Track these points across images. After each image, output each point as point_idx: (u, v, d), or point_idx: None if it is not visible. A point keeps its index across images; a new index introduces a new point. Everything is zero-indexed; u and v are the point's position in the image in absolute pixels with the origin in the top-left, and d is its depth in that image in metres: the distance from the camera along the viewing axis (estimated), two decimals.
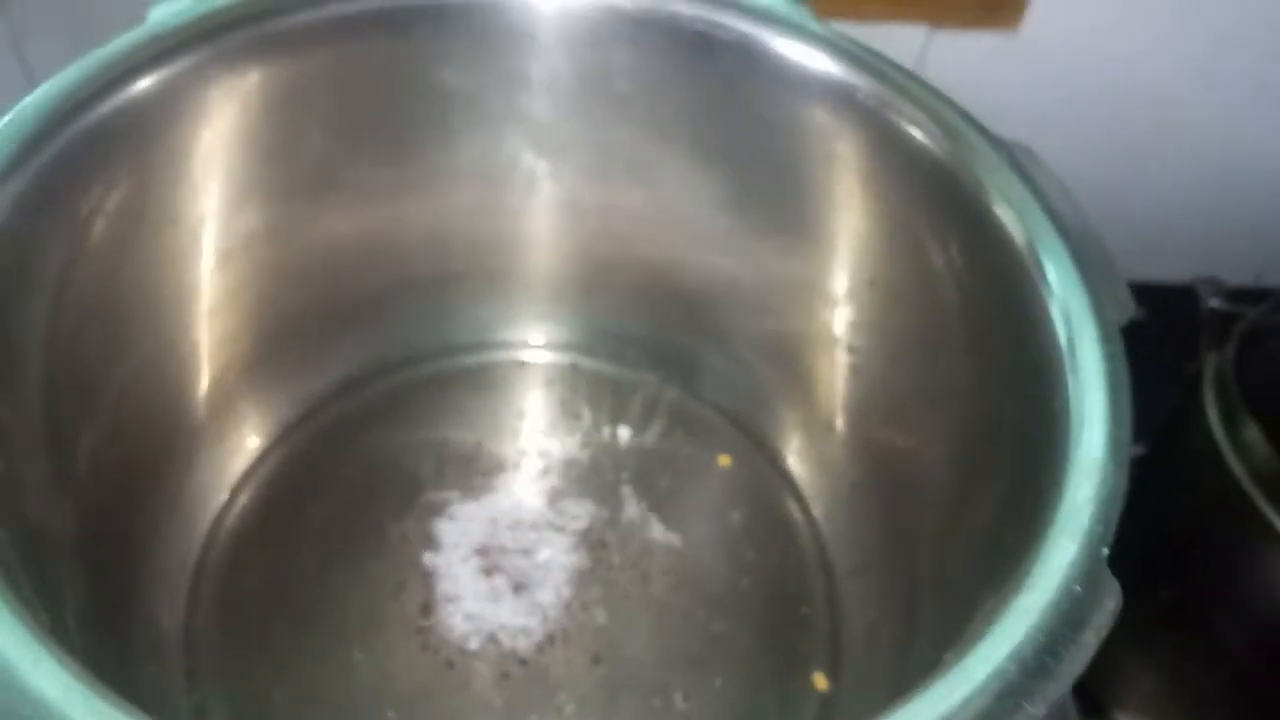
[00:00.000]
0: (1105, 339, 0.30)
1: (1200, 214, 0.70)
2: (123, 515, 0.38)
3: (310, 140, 0.41)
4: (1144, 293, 0.62)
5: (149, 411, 0.38)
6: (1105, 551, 0.26)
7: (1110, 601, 0.25)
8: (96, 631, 0.34)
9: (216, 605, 0.41)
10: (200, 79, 0.36)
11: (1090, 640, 0.25)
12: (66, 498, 0.34)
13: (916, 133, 0.37)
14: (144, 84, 0.34)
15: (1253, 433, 0.45)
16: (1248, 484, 0.44)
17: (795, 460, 0.47)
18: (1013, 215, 0.34)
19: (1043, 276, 0.32)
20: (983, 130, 0.36)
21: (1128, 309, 0.32)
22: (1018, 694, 0.24)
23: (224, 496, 0.43)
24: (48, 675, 0.22)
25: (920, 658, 0.35)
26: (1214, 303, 0.53)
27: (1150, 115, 0.64)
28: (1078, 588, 0.26)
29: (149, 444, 0.39)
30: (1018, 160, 0.35)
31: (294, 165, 0.41)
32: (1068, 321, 0.31)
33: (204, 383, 0.41)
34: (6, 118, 0.33)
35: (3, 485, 0.29)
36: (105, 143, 0.34)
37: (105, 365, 0.36)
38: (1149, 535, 0.52)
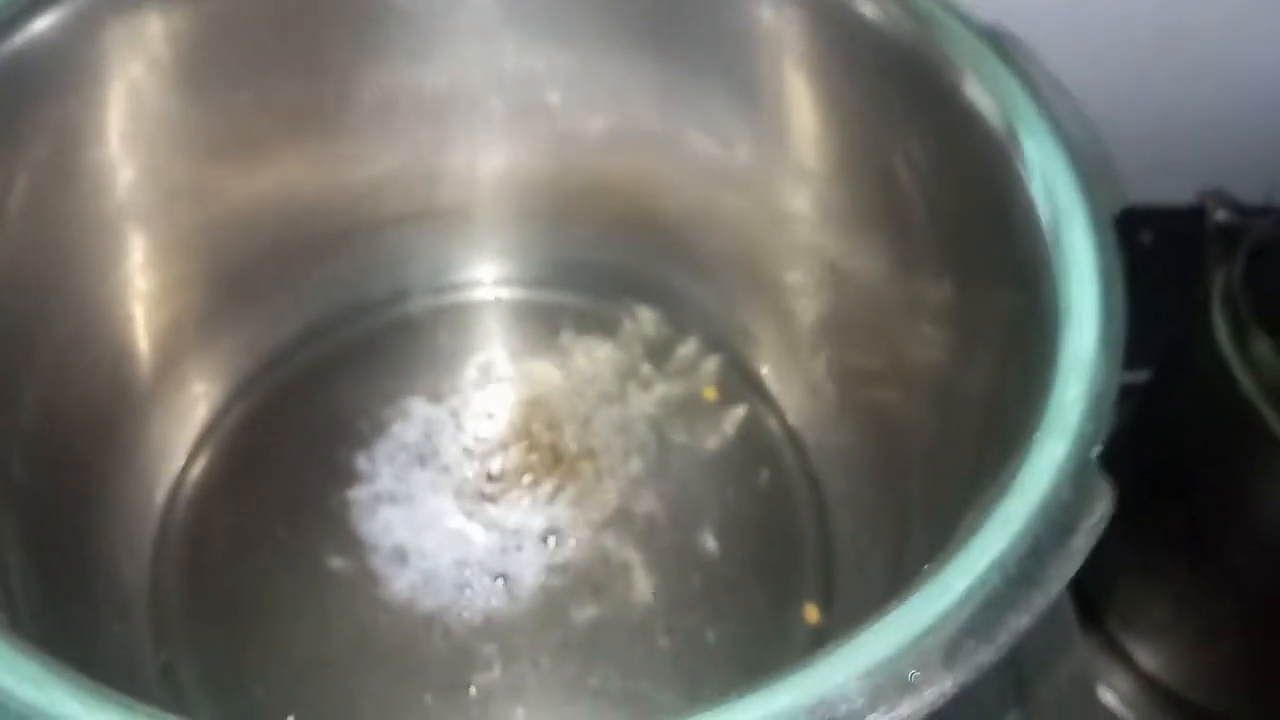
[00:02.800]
0: (1096, 227, 0.28)
1: (1206, 131, 0.67)
2: (79, 470, 0.37)
3: (247, 74, 0.39)
4: (1149, 216, 0.60)
5: (97, 366, 0.37)
6: (1096, 450, 0.24)
7: (1101, 504, 0.23)
8: (55, 590, 0.32)
9: (183, 563, 0.39)
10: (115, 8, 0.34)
11: (1080, 545, 0.23)
12: (10, 449, 0.33)
13: (878, 16, 0.34)
14: (43, 23, 0.32)
15: (1262, 347, 0.43)
16: (1258, 399, 0.42)
17: (779, 387, 0.45)
18: (989, 98, 0.31)
19: (1023, 160, 0.29)
20: (956, 13, 0.33)
21: (1121, 198, 0.29)
22: (1001, 605, 0.22)
23: (186, 451, 0.41)
24: None
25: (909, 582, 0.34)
26: (1221, 216, 0.51)
27: (1152, 24, 0.61)
28: (1065, 491, 0.24)
29: (101, 398, 0.37)
30: (998, 44, 0.33)
31: (232, 103, 0.39)
32: (1053, 207, 0.28)
33: (153, 337, 0.40)
34: None
35: None
36: (15, 84, 0.32)
37: (42, 320, 0.34)
38: (1157, 459, 0.51)
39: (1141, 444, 0.50)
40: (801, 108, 0.39)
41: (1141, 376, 0.51)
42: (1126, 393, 0.51)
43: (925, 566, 0.23)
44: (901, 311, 0.37)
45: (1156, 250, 0.63)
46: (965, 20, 0.33)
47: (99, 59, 0.35)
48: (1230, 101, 0.65)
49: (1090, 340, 0.26)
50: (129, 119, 0.36)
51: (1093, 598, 0.54)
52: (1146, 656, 0.55)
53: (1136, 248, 0.63)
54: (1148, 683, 0.54)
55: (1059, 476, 0.24)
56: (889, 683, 0.21)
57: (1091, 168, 0.30)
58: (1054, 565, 0.23)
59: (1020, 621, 0.22)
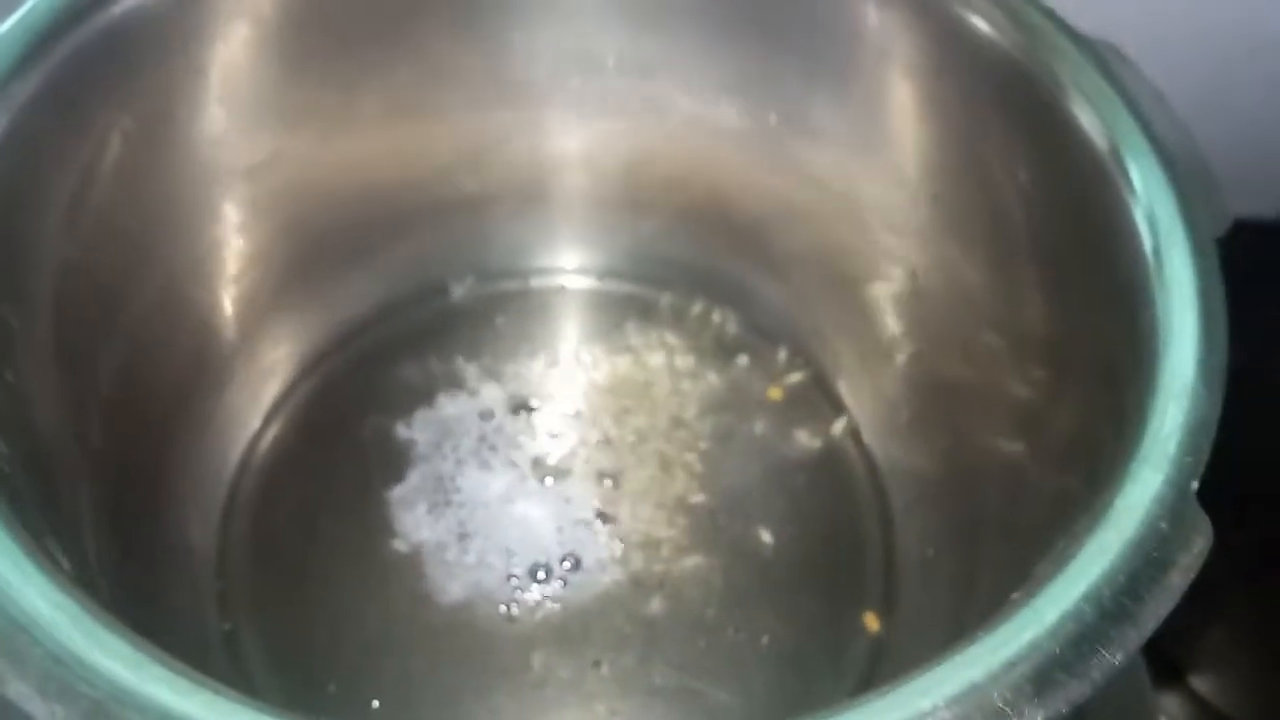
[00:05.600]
0: (1198, 251, 0.27)
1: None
2: (153, 436, 0.37)
3: (336, 50, 0.39)
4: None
5: (177, 334, 0.37)
6: (1195, 485, 0.24)
7: (1200, 540, 0.23)
8: (123, 554, 0.33)
9: (250, 534, 0.40)
10: None
11: (1176, 583, 0.22)
12: (89, 416, 0.33)
13: (985, 27, 0.34)
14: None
15: None
16: None
17: (849, 391, 0.44)
18: (1094, 117, 0.31)
19: (1127, 182, 0.29)
20: (1063, 25, 0.33)
21: (1224, 220, 0.28)
22: (1094, 638, 0.21)
23: (257, 422, 0.42)
24: (36, 592, 0.21)
25: (983, 598, 0.33)
26: None
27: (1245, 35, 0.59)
28: (1163, 524, 0.23)
29: (179, 366, 0.38)
30: (1103, 59, 0.32)
31: (320, 77, 0.39)
32: (1154, 232, 0.28)
33: (232, 306, 0.40)
34: (16, 15, 0.31)
35: (9, 396, 0.28)
36: (118, 47, 0.33)
37: (126, 286, 0.35)
38: (1224, 484, 0.49)
39: (1209, 468, 0.49)
40: (899, 111, 0.38)
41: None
42: None
43: (1015, 594, 0.23)
44: (988, 331, 0.36)
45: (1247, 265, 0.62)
46: (1072, 34, 0.32)
47: (200, 26, 0.35)
48: None
49: (1190, 369, 0.25)
50: (225, 86, 0.36)
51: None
52: (1201, 681, 0.53)
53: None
54: (1201, 707, 0.53)
55: (1156, 509, 0.23)
56: (977, 711, 0.20)
57: (1194, 189, 0.29)
58: (1150, 601, 0.22)
59: (1113, 657, 0.21)
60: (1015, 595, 0.23)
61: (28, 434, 0.28)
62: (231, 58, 0.36)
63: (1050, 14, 0.33)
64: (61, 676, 0.20)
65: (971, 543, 0.37)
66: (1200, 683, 0.53)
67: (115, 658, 0.21)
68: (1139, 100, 0.31)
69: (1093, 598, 0.22)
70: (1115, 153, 0.30)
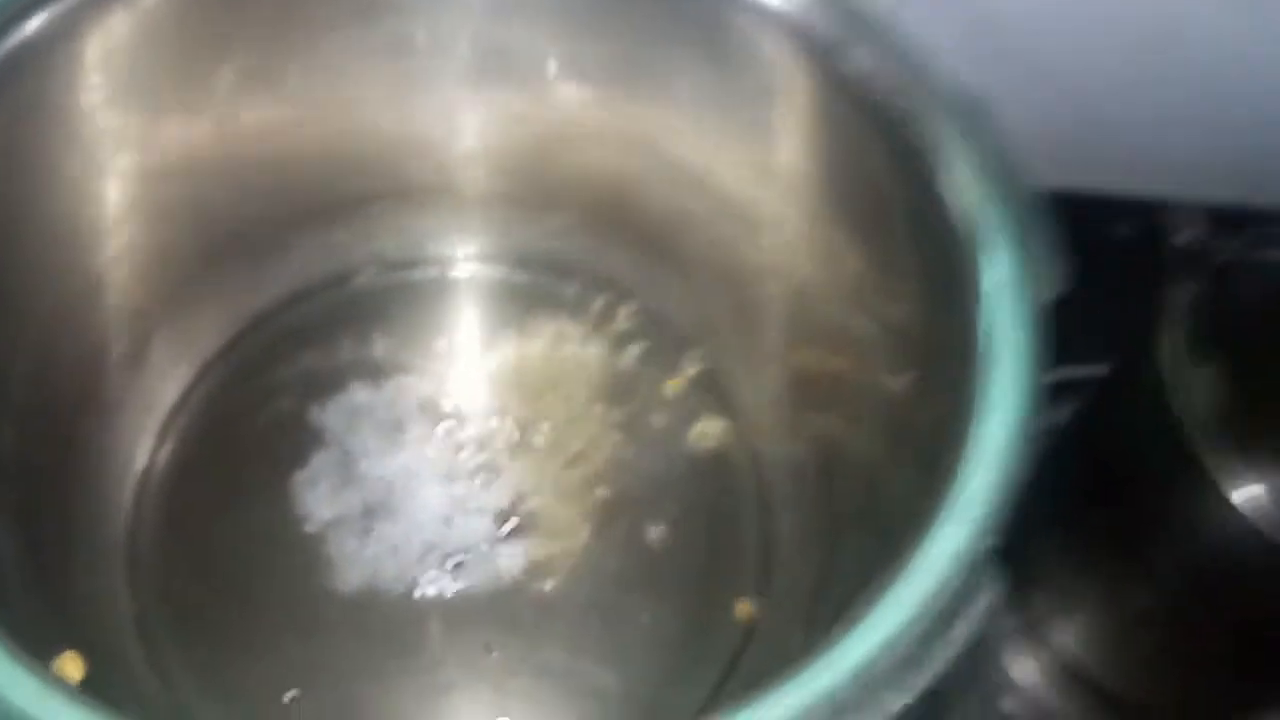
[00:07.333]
0: (1027, 326, 0.30)
1: (1194, 126, 0.67)
2: (64, 437, 0.39)
3: (224, 41, 0.39)
4: (1122, 207, 0.61)
5: (83, 336, 0.39)
6: (991, 542, 0.27)
7: (988, 595, 0.26)
8: (35, 546, 0.35)
9: (159, 523, 0.42)
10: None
11: (961, 634, 0.25)
12: (3, 423, 0.35)
13: (871, 79, 0.35)
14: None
15: (1202, 375, 0.44)
16: (1189, 426, 0.44)
17: (740, 391, 0.47)
18: (960, 183, 0.33)
19: (980, 255, 0.31)
20: (941, 82, 0.34)
21: (1057, 286, 0.31)
22: (882, 685, 0.24)
23: (163, 416, 0.44)
24: None
25: (835, 598, 0.36)
26: (1184, 236, 0.52)
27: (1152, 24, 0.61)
28: (958, 579, 0.26)
29: (86, 367, 0.39)
30: (973, 117, 0.34)
31: (212, 72, 0.40)
32: (994, 307, 0.30)
33: (134, 305, 0.41)
34: None
35: None
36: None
37: (29, 294, 0.36)
38: (1097, 457, 0.53)
39: (1086, 440, 0.52)
40: (785, 136, 0.40)
41: (1099, 371, 0.53)
42: (1081, 386, 0.53)
43: (822, 636, 0.26)
44: (858, 348, 0.39)
45: (1134, 246, 0.64)
46: (944, 90, 0.34)
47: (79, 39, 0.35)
48: (1221, 99, 0.65)
49: (1003, 432, 0.28)
50: (110, 80, 0.37)
51: (1020, 578, 0.57)
52: (1070, 641, 0.57)
53: (1111, 240, 0.64)
54: (1063, 665, 0.58)
55: (955, 564, 0.26)
56: None
57: (1035, 254, 0.31)
58: (936, 650, 0.25)
59: (897, 701, 0.24)
60: (816, 638, 0.25)
61: None
62: (110, 62, 0.36)
63: (928, 67, 0.35)
64: None
65: (836, 535, 0.40)
66: (1068, 642, 0.57)
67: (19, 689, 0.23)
68: (1000, 164, 0.33)
69: (888, 646, 0.25)
70: (972, 220, 0.32)
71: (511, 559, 0.43)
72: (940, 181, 0.33)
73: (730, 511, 0.45)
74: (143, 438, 0.43)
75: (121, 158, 0.38)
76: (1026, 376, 0.29)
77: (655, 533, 0.44)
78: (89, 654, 0.30)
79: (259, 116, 0.42)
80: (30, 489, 0.35)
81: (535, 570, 0.42)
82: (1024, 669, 0.58)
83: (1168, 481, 0.47)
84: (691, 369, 0.48)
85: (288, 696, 0.39)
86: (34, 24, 0.33)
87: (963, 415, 0.29)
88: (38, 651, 0.24)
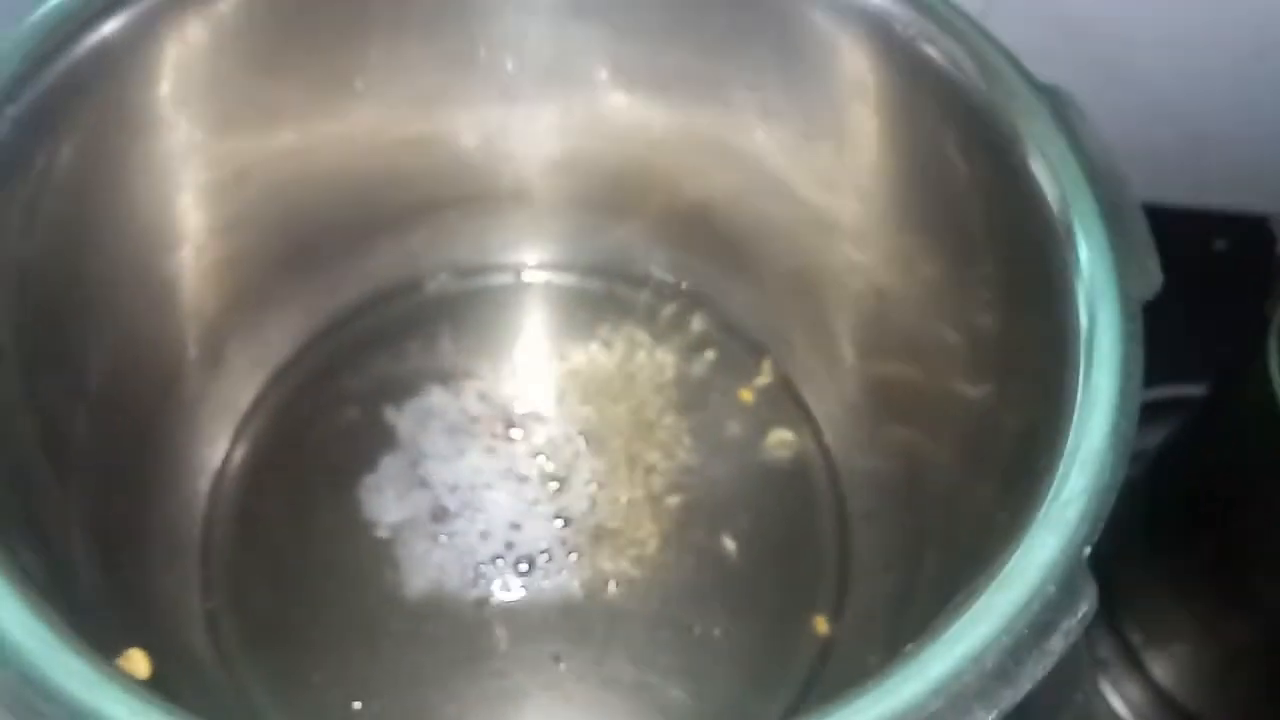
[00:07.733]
0: (1125, 318, 0.28)
1: None
2: (139, 431, 0.39)
3: (299, 51, 0.39)
4: (1221, 221, 0.59)
5: (164, 333, 0.39)
6: (1087, 551, 0.25)
7: (1084, 605, 0.24)
8: (108, 544, 0.35)
9: (234, 521, 0.42)
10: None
11: (1056, 646, 0.24)
12: (78, 413, 0.35)
13: (953, 71, 0.34)
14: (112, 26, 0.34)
15: None
16: None
17: (816, 400, 0.45)
18: (1047, 169, 0.31)
19: (1073, 249, 0.30)
20: (1025, 74, 0.33)
21: (1155, 283, 0.29)
22: (972, 697, 0.23)
23: (241, 415, 0.44)
24: (8, 614, 0.23)
25: (916, 616, 0.35)
26: None
27: (1252, 36, 0.59)
28: (1052, 588, 0.25)
29: (165, 363, 0.40)
30: (1059, 109, 0.32)
31: (290, 77, 0.40)
32: (1091, 300, 0.29)
33: (216, 304, 0.42)
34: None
35: None
36: (76, 90, 0.33)
37: (112, 289, 0.36)
38: (1199, 479, 0.51)
39: (1187, 461, 0.50)
40: (862, 137, 0.39)
41: (1197, 390, 0.51)
42: (1180, 405, 0.51)
43: (908, 646, 0.24)
44: (939, 353, 0.37)
45: (1233, 260, 0.62)
46: (1030, 81, 0.33)
47: (156, 44, 0.36)
48: None
49: (1101, 435, 0.27)
50: (184, 94, 0.37)
51: (1115, 604, 0.54)
52: (1163, 671, 0.55)
53: (1210, 255, 0.62)
54: (1160, 697, 0.55)
55: (1048, 573, 0.25)
56: None
57: (1130, 251, 0.30)
58: (1029, 663, 0.24)
59: (987, 717, 0.23)
60: (909, 647, 0.24)
61: (8, 443, 0.30)
62: (188, 69, 0.37)
63: (1011, 58, 0.34)
64: (28, 697, 0.22)
65: (915, 556, 0.38)
66: (1162, 673, 0.55)
67: (76, 679, 0.23)
68: (1089, 153, 0.32)
69: (977, 658, 0.24)
70: (1065, 214, 0.30)
71: (581, 567, 0.42)
72: (1028, 174, 0.32)
73: (806, 523, 0.43)
74: (218, 439, 0.43)
75: (196, 163, 0.39)
76: (1126, 375, 0.27)
77: (729, 544, 0.43)
78: (157, 652, 0.30)
79: (333, 124, 0.42)
80: (104, 484, 0.36)
81: (605, 579, 0.42)
82: (1118, 700, 0.55)
83: (1274, 504, 0.45)
84: (765, 377, 0.47)
85: (355, 705, 0.38)
86: (111, 26, 0.34)
87: (1056, 418, 0.28)
88: (104, 647, 0.24)
